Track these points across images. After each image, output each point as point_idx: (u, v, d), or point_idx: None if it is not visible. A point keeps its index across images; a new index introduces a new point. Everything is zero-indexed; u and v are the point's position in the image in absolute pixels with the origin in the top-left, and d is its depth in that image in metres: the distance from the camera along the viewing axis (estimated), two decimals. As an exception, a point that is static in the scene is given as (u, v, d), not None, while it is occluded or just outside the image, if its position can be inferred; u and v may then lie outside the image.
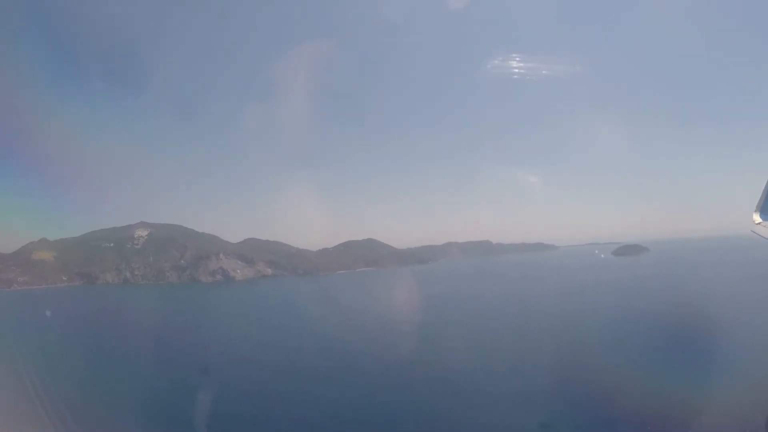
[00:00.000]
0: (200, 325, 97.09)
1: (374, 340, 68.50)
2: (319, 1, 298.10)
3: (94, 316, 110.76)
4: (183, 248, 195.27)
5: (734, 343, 56.04)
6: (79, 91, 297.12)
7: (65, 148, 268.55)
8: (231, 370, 59.44)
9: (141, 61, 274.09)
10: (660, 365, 50.12)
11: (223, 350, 70.64)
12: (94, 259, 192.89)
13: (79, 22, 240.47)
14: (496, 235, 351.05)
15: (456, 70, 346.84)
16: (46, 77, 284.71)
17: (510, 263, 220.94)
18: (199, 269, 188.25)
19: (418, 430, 41.30)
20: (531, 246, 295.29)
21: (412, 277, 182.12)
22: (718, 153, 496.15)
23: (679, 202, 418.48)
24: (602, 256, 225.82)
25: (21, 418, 26.05)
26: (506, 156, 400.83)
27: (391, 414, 43.90)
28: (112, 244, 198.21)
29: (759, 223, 11.33)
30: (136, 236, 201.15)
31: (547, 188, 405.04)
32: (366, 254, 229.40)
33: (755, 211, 11.59)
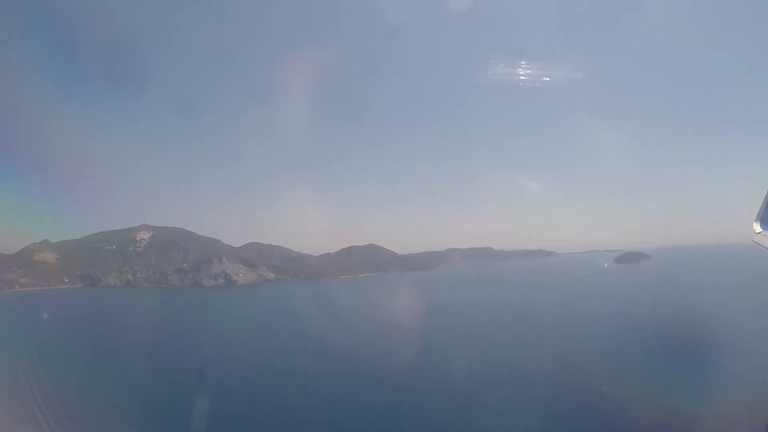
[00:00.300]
0: (206, 329, 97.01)
1: (379, 345, 68.51)
2: (324, 4, 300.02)
3: (98, 319, 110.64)
4: (185, 251, 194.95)
5: (735, 348, 56.31)
6: (81, 92, 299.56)
7: (67, 149, 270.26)
8: (237, 375, 59.52)
9: (144, 63, 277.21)
10: (663, 371, 50.47)
11: (228, 355, 70.55)
12: (96, 261, 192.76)
13: (80, 22, 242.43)
14: (498, 241, 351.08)
15: (458, 75, 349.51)
16: (48, 78, 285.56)
17: (512, 270, 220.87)
18: (202, 273, 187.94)
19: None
20: (532, 253, 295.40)
21: (415, 283, 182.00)
22: (719, 160, 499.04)
23: (680, 210, 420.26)
24: (605, 265, 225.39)
25: (23, 418, 26.17)
26: (508, 162, 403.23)
27: (394, 419, 43.87)
28: (114, 247, 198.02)
29: (759, 233, 11.32)
30: (138, 239, 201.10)
31: (549, 195, 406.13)
32: (368, 260, 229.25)
33: (756, 221, 11.57)
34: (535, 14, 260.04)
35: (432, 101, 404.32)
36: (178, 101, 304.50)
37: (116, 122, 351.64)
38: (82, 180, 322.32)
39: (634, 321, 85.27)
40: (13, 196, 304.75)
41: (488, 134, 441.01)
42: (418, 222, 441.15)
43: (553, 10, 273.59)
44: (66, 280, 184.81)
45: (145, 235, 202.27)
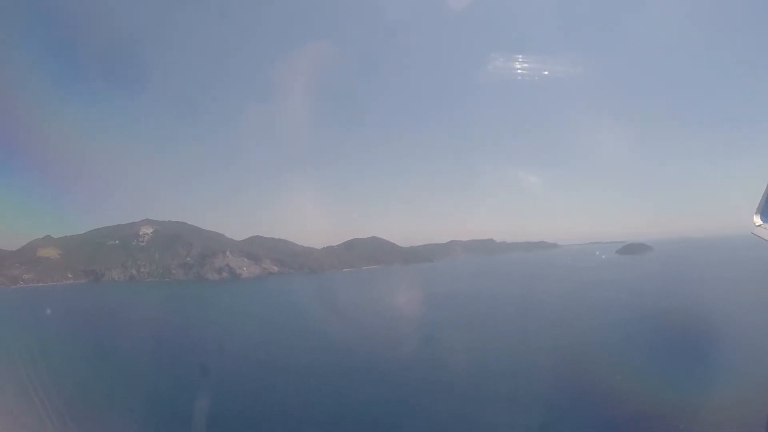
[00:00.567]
0: (213, 323, 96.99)
1: (384, 339, 68.41)
2: (323, 1, 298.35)
3: (104, 314, 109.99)
4: (189, 246, 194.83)
5: (736, 342, 56.20)
6: (83, 91, 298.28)
7: (68, 145, 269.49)
8: (245, 369, 59.19)
9: (145, 61, 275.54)
10: (665, 364, 50.30)
11: (236, 349, 70.28)
12: (99, 256, 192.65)
13: (80, 22, 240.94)
14: (500, 233, 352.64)
15: (460, 69, 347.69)
16: (49, 76, 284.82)
17: (514, 262, 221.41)
18: (206, 267, 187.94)
19: (425, 427, 41.61)
20: (534, 245, 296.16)
21: (417, 275, 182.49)
22: (719, 153, 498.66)
23: (680, 202, 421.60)
24: (603, 256, 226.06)
25: (29, 416, 26.25)
26: (509, 155, 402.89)
27: (399, 411, 44.11)
28: (117, 242, 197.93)
29: (759, 225, 11.39)
30: (141, 233, 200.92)
31: (550, 187, 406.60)
32: (370, 253, 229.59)
33: (756, 214, 11.65)
34: (535, 10, 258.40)
35: (433, 97, 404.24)
36: (181, 98, 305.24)
37: (118, 120, 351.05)
38: (83, 176, 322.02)
39: (636, 313, 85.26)
40: (15, 193, 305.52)
41: (490, 128, 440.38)
42: (420, 215, 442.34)
43: (553, 6, 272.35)
44: (70, 276, 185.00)
45: (147, 230, 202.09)
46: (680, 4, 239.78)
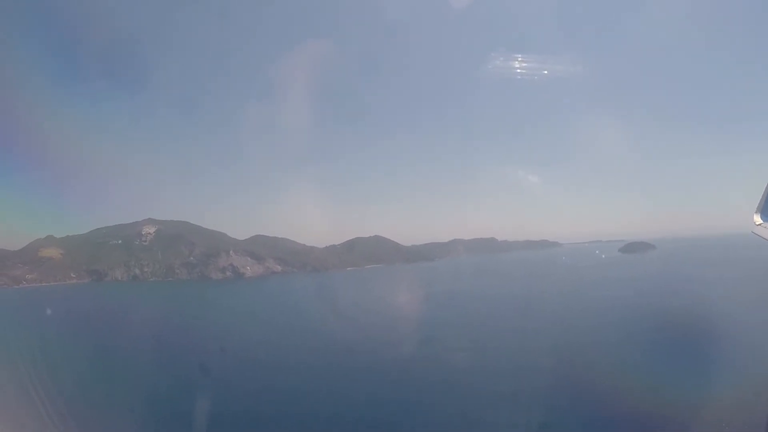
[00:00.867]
0: (219, 323, 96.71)
1: (390, 337, 68.32)
2: (323, 1, 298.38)
3: (109, 314, 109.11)
4: (191, 245, 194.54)
5: (739, 341, 56.26)
6: (84, 90, 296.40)
7: (68, 145, 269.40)
8: (252, 370, 58.91)
9: (146, 60, 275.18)
10: (667, 363, 50.04)
11: (243, 349, 70.11)
12: (101, 256, 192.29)
13: (80, 22, 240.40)
14: (501, 232, 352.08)
15: (460, 68, 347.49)
16: (50, 75, 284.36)
17: (517, 260, 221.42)
18: (209, 266, 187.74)
19: (428, 425, 41.58)
20: (536, 243, 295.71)
21: (421, 274, 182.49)
22: (720, 152, 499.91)
23: (681, 201, 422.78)
24: (603, 256, 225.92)
25: (33, 418, 26.11)
26: (511, 154, 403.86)
27: (401, 410, 43.97)
28: (119, 241, 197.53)
29: (760, 224, 11.33)
30: (143, 233, 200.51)
31: (551, 186, 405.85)
32: (373, 251, 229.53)
33: (756, 213, 11.58)
34: (535, 10, 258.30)
35: (435, 96, 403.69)
36: (182, 98, 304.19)
37: (119, 119, 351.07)
38: (84, 176, 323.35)
39: (642, 312, 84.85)
40: (16, 193, 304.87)
41: (492, 127, 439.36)
42: (422, 214, 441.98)
43: (553, 6, 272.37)
44: (73, 276, 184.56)
45: (150, 229, 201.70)
46: (680, 4, 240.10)
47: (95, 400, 41.09)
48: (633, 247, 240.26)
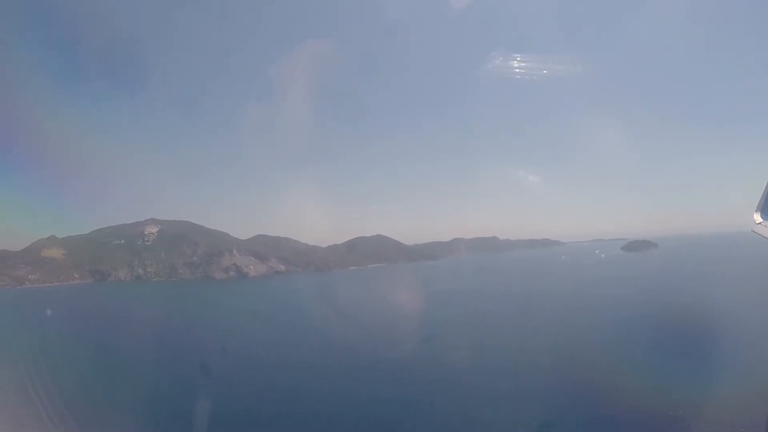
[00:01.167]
0: (224, 323, 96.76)
1: (395, 337, 68.32)
2: (323, 1, 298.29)
3: (114, 314, 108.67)
4: (194, 245, 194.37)
5: (740, 340, 56.55)
6: (85, 90, 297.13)
7: (70, 145, 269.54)
8: (258, 370, 59.20)
9: (147, 61, 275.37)
10: (669, 361, 50.40)
11: (250, 349, 70.30)
12: (104, 256, 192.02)
13: (80, 22, 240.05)
14: (503, 231, 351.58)
15: (461, 67, 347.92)
16: (50, 75, 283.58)
17: (519, 259, 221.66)
18: (213, 266, 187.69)
19: (432, 423, 41.80)
20: (537, 242, 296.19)
21: (424, 273, 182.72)
22: (720, 151, 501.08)
23: (682, 200, 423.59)
24: (603, 255, 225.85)
25: (38, 419, 26.24)
26: (512, 153, 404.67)
27: (403, 408, 44.29)
28: (122, 241, 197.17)
29: (759, 223, 11.37)
30: (146, 233, 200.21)
31: (553, 185, 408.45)
32: (375, 251, 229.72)
33: (756, 211, 11.61)
34: (535, 10, 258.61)
35: (436, 95, 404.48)
36: (183, 98, 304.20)
37: (121, 119, 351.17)
38: (86, 176, 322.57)
39: (646, 310, 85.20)
40: (17, 193, 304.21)
41: (493, 127, 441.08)
42: (424, 213, 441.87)
43: (553, 6, 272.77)
44: (76, 276, 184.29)
45: (153, 229, 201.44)
46: (680, 4, 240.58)
47: (99, 400, 41.44)
48: (635, 246, 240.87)
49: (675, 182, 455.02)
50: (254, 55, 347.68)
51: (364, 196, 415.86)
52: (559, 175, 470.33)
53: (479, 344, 64.47)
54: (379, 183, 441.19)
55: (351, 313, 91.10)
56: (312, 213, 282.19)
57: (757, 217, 11.47)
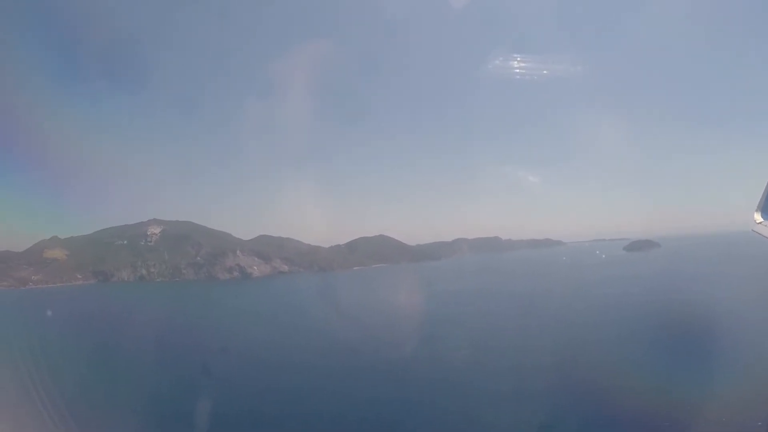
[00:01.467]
0: (230, 324, 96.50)
1: (398, 337, 68.10)
2: (323, 1, 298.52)
3: (118, 315, 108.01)
4: (198, 245, 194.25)
5: (741, 339, 56.47)
6: (86, 91, 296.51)
7: (71, 146, 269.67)
8: (263, 371, 58.94)
9: (148, 61, 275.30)
10: (670, 361, 50.06)
11: (255, 351, 70.09)
12: (107, 256, 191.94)
13: (80, 22, 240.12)
14: (505, 231, 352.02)
15: (462, 67, 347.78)
16: (50, 75, 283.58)
17: (521, 259, 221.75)
18: (216, 266, 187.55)
19: (436, 422, 41.72)
20: (539, 242, 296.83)
21: (427, 273, 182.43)
22: (720, 151, 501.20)
23: (682, 199, 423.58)
24: (604, 255, 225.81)
25: (41, 419, 26.24)
26: (514, 153, 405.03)
27: (406, 408, 44.18)
28: (125, 242, 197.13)
29: (760, 223, 11.30)
30: (149, 233, 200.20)
31: (554, 185, 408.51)
32: (378, 251, 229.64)
33: (756, 211, 11.53)
34: (535, 10, 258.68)
35: (438, 95, 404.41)
36: (184, 98, 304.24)
37: (122, 119, 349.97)
38: (87, 177, 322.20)
39: (649, 309, 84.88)
40: (19, 194, 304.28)
41: (495, 127, 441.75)
42: (427, 213, 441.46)
43: (553, 6, 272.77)
44: (79, 277, 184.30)
45: (155, 230, 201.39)
46: (680, 4, 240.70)
47: (102, 401, 41.37)
48: (637, 246, 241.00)
49: (676, 182, 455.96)
50: (255, 55, 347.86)
51: (366, 197, 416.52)
52: (561, 174, 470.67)
53: (482, 344, 64.35)
54: (381, 183, 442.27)
55: (355, 313, 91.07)
56: (314, 213, 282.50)
57: (758, 217, 11.40)
